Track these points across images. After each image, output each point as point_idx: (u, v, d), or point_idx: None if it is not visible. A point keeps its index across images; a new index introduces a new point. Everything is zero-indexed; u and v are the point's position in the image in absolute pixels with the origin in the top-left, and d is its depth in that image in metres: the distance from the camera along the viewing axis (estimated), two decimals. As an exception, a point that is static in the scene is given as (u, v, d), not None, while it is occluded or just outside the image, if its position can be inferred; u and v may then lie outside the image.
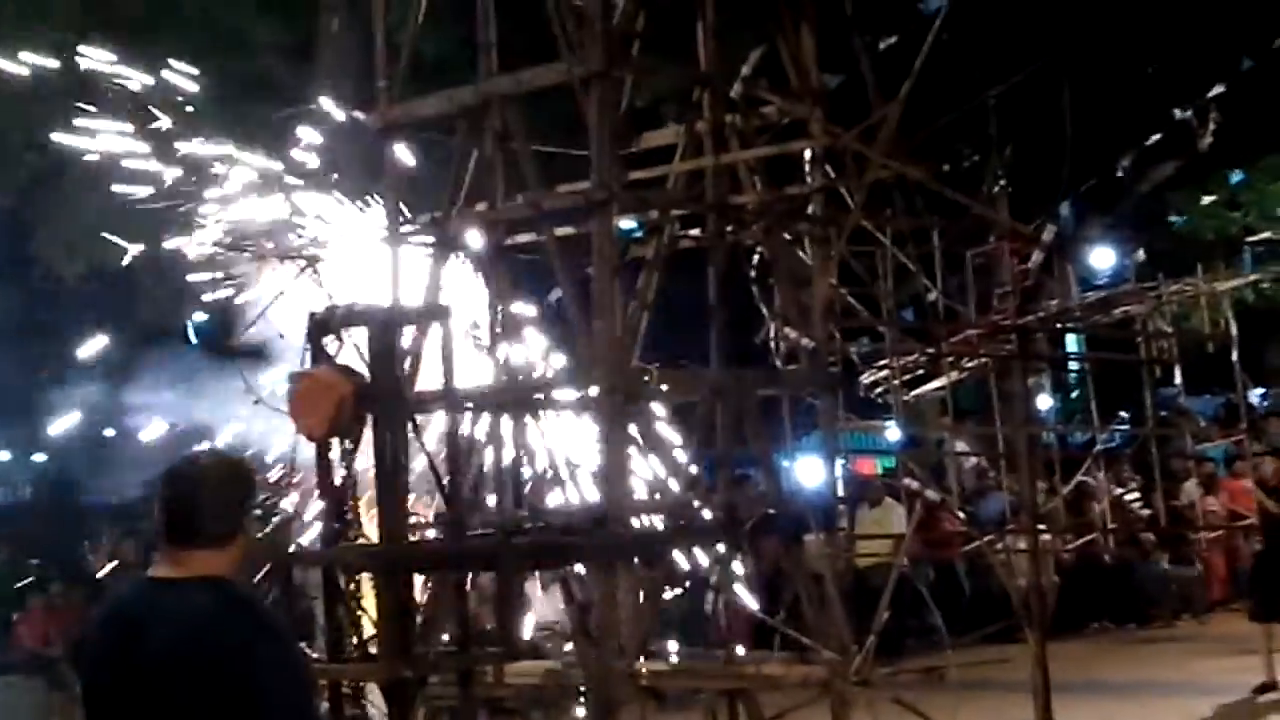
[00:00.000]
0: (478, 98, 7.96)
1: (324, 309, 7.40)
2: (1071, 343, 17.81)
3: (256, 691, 3.93)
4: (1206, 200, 25.95)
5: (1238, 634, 19.30)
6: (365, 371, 7.13)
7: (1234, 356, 11.59)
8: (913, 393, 12.17)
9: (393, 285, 8.21)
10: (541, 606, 11.15)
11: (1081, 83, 22.08)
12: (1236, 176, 25.58)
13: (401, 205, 8.43)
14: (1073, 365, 21.00)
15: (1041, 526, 11.21)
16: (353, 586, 7.04)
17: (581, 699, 7.56)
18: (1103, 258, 26.64)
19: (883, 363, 11.08)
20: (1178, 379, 11.85)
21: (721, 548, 8.66)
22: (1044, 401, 22.68)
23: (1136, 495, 20.49)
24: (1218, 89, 22.26)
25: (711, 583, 9.09)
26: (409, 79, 8.35)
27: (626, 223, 9.39)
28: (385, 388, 7.03)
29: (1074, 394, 24.60)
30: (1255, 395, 29.79)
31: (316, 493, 7.22)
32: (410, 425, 7.15)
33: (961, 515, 13.77)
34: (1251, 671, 15.50)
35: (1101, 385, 14.15)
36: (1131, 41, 23.39)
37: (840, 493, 10.61)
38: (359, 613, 7.04)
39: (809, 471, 10.86)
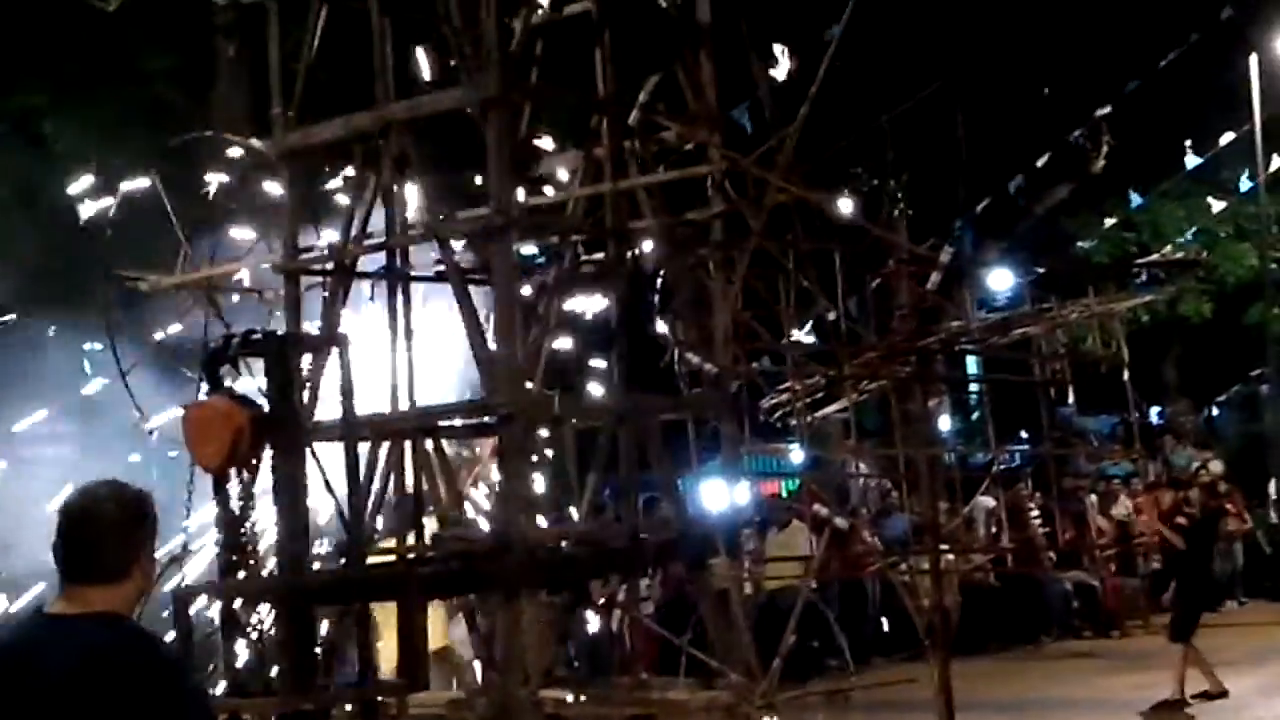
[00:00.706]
0: (375, 123, 7.92)
1: (220, 338, 7.32)
2: (971, 364, 18.04)
3: None
4: (1107, 223, 26.37)
5: (1141, 649, 19.57)
6: (263, 401, 7.04)
7: (1125, 376, 11.78)
8: (815, 414, 12.23)
9: (290, 313, 8.13)
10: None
11: (977, 107, 22.42)
12: (1136, 200, 26.02)
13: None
14: (973, 386, 21.25)
15: (944, 546, 11.29)
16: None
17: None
18: (1001, 280, 26.96)
19: (784, 385, 11.13)
20: (1070, 399, 12.05)
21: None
22: (944, 422, 22.90)
23: (1037, 514, 20.79)
24: (1105, 110, 22.64)
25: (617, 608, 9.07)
26: (310, 105, 8.29)
27: (528, 249, 9.38)
28: (283, 417, 6.94)
29: (974, 415, 24.85)
30: (1153, 413, 30.28)
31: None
32: (310, 453, 7.08)
33: (868, 537, 13.86)
34: (1154, 687, 15.71)
35: (1000, 406, 14.31)
36: (1026, 65, 23.76)
37: (749, 516, 10.70)
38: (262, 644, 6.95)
39: (714, 495, 10.88)
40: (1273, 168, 23.84)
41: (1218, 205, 26.16)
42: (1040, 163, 23.24)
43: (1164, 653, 18.39)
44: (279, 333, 7.53)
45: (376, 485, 8.13)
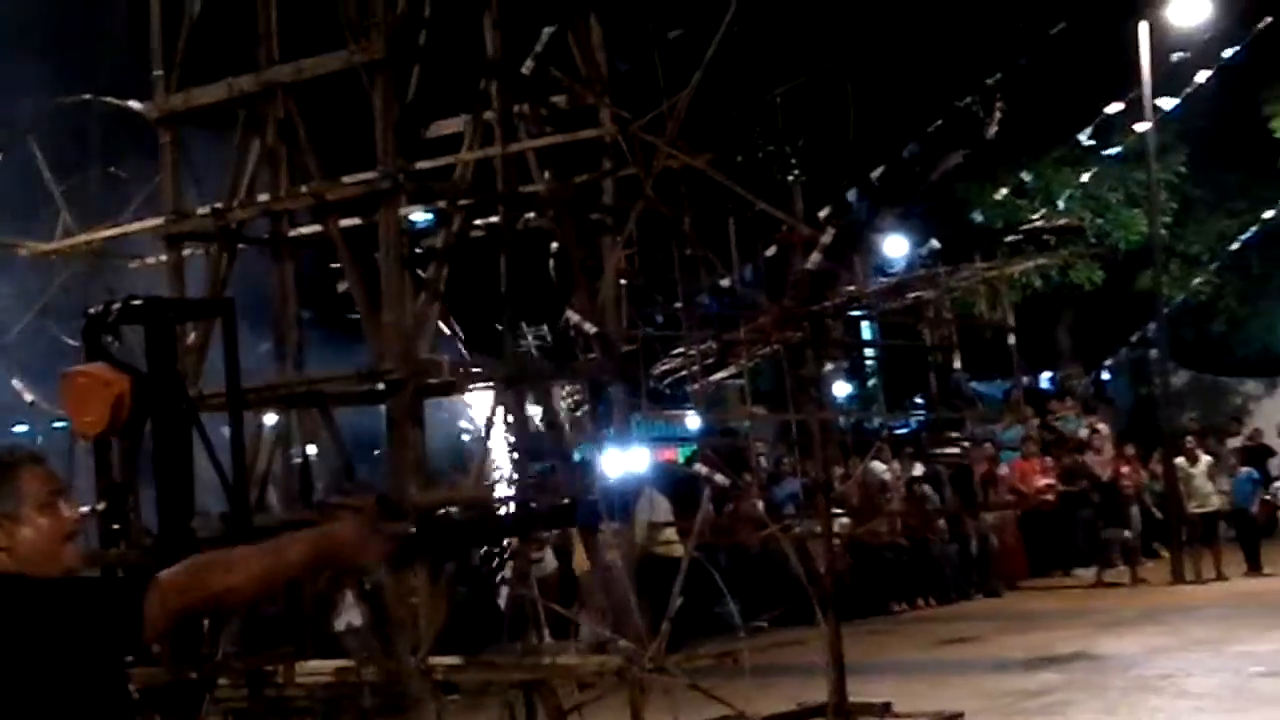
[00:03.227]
0: (258, 86, 7.81)
1: (101, 305, 7.20)
2: (866, 330, 18.15)
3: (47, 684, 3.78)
4: (997, 190, 26.64)
5: (1029, 610, 19.88)
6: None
7: (1011, 341, 11.91)
8: (710, 379, 12.26)
9: (173, 279, 8.02)
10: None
11: (874, 74, 22.54)
12: (1028, 168, 26.32)
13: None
14: (869, 353, 21.42)
15: (837, 510, 11.37)
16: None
17: (375, 696, 7.46)
18: (896, 247, 27.23)
19: (678, 350, 11.14)
20: (957, 363, 12.16)
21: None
22: (840, 388, 23.12)
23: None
24: (996, 76, 22.85)
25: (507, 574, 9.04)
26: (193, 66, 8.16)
27: (419, 214, 9.30)
28: (164, 384, 6.85)
29: (870, 381, 25.09)
30: (1045, 378, 30.72)
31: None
32: (193, 421, 6.98)
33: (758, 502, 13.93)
34: (1043, 647, 15.97)
35: (895, 372, 14.51)
36: (922, 32, 23.92)
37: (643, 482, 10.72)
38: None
39: (608, 461, 10.87)
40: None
41: (1109, 172, 26.58)
42: (934, 130, 23.41)
43: (1051, 614, 18.70)
44: (160, 299, 7.42)
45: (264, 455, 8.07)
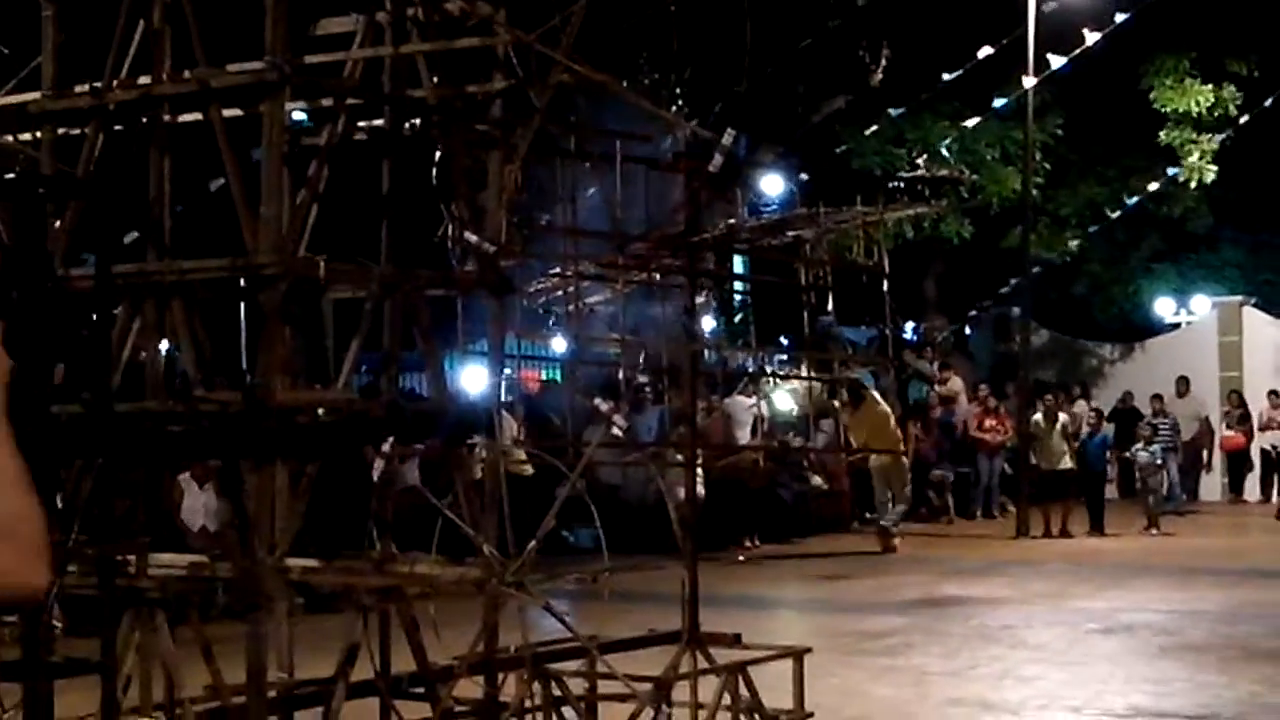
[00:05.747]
0: (145, -35, 7.58)
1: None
2: (738, 265, 18.21)
3: None
4: (874, 136, 26.78)
5: (873, 554, 20.24)
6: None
7: (885, 287, 12.00)
8: (583, 303, 12.22)
9: (46, 159, 7.79)
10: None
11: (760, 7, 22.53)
12: (908, 117, 26.44)
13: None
14: (739, 287, 21.53)
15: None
16: None
17: (228, 593, 7.37)
18: (773, 185, 27.30)
19: (554, 271, 11.07)
20: (830, 306, 12.22)
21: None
22: (708, 322, 23.18)
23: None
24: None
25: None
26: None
27: (298, 113, 9.11)
28: (32, 261, 6.66)
29: (739, 317, 25.18)
30: (910, 328, 31.09)
31: None
32: (55, 307, 6.80)
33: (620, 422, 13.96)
34: (883, 591, 16.26)
35: (764, 311, 14.54)
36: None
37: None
38: None
39: (475, 376, 10.82)
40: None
41: (987, 129, 26.86)
42: (819, 72, 23.48)
43: (895, 560, 19.05)
44: (32, 174, 7.21)
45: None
